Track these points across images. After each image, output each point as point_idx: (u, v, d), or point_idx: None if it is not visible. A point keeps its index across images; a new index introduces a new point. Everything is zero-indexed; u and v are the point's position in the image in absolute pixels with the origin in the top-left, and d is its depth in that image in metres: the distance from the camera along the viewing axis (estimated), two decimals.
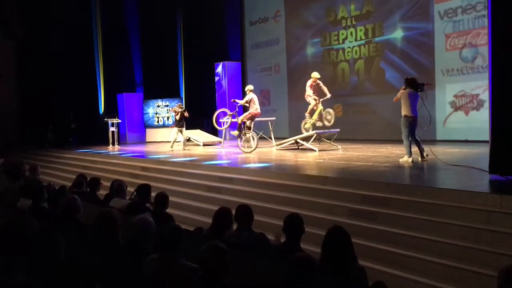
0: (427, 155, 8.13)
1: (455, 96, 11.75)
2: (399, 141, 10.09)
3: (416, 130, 8.09)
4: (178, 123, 13.20)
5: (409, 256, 4.83)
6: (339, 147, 11.12)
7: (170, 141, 13.72)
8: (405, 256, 4.86)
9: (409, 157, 8.03)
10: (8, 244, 2.74)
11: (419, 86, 8.09)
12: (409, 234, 5.06)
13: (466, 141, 11.14)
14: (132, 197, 5.69)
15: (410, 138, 8.05)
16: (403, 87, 8.18)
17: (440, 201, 5.27)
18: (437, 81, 12.08)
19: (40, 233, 2.69)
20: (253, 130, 11.36)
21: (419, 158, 8.12)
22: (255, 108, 11.27)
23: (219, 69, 17.24)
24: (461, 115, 11.66)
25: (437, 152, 9.76)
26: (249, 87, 11.67)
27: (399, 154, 8.77)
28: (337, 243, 3.01)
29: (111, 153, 13.61)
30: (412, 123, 8.01)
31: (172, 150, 12.82)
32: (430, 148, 8.28)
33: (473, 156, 8.77)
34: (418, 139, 8.11)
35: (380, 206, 5.68)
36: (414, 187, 5.79)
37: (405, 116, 8.03)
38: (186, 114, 13.17)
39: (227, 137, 14.54)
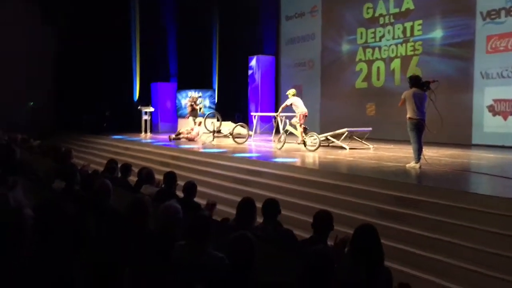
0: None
1: (494, 100, 11.42)
2: (432, 143, 9.92)
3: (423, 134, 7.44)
4: (191, 113, 14.23)
5: (437, 260, 4.75)
6: (371, 146, 10.98)
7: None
8: (433, 259, 4.78)
9: (416, 162, 7.43)
10: (43, 223, 2.83)
11: (424, 85, 7.44)
12: (438, 238, 4.97)
13: (503, 147, 10.82)
14: (161, 185, 5.78)
15: (419, 143, 7.40)
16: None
17: (471, 206, 5.14)
18: (476, 84, 11.76)
19: (73, 215, 2.77)
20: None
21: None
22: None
23: (253, 62, 17.26)
24: (499, 120, 11.32)
25: (472, 157, 9.57)
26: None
27: (431, 156, 8.60)
28: (366, 241, 2.98)
29: (143, 141, 13.84)
30: (417, 125, 7.38)
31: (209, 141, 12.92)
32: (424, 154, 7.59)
33: (508, 162, 8.52)
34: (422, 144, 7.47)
35: (409, 208, 5.59)
36: (445, 190, 5.66)
37: (409, 118, 7.40)
38: (195, 106, 14.27)
39: (258, 131, 14.60)
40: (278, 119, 11.61)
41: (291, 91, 11.15)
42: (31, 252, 2.35)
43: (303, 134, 10.59)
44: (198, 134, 13.52)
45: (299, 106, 10.77)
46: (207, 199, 5.09)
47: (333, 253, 2.94)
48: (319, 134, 11.57)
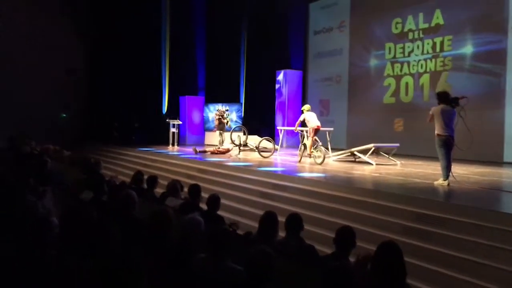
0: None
1: None
2: (461, 160, 9.73)
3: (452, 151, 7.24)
4: (217, 126, 14.49)
5: (463, 280, 4.64)
6: (398, 162, 10.85)
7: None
8: (458, 279, 4.67)
9: (444, 179, 7.27)
10: (68, 231, 2.91)
11: (453, 101, 7.27)
12: (464, 257, 4.85)
13: None
14: (186, 198, 5.85)
15: (447, 159, 7.22)
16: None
17: (500, 225, 5.00)
18: (508, 101, 11.50)
19: (98, 223, 2.84)
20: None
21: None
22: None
23: (280, 76, 17.33)
24: None
25: (503, 175, 9.33)
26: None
27: (460, 173, 8.42)
28: (388, 258, 2.94)
29: (170, 153, 14.02)
30: (446, 142, 7.21)
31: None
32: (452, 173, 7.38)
33: None
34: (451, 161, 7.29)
35: (436, 226, 5.48)
36: (473, 209, 5.53)
37: (438, 135, 7.26)
38: (222, 119, 14.43)
39: (284, 145, 14.60)
40: (305, 133, 11.67)
41: (306, 107, 11.48)
42: (54, 256, 2.43)
43: (312, 148, 10.97)
44: (229, 150, 13.56)
45: (311, 121, 11.10)
46: (230, 222, 5.06)
47: (354, 270, 2.92)
48: (346, 149, 11.62)
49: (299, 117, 16.28)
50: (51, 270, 2.53)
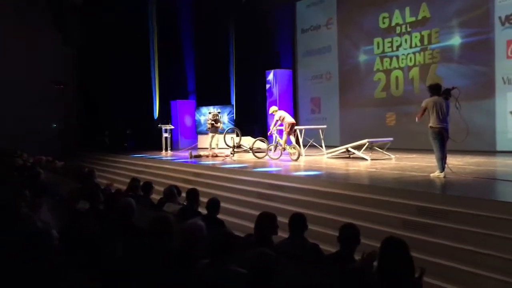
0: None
1: None
2: (455, 151, 9.74)
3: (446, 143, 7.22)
4: (210, 129, 14.17)
5: (466, 271, 4.63)
6: (392, 156, 10.86)
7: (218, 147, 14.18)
8: (461, 270, 4.67)
9: (440, 171, 7.25)
10: (68, 244, 2.85)
11: (445, 92, 7.27)
12: (467, 249, 4.85)
13: None
14: (184, 202, 5.80)
15: (442, 151, 7.21)
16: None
17: (500, 214, 5.01)
18: (498, 90, 11.56)
19: (98, 236, 2.79)
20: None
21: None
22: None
23: (270, 76, 17.30)
24: None
25: (497, 164, 9.37)
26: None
27: (456, 164, 8.45)
28: (394, 254, 2.90)
29: (164, 158, 13.94)
30: (439, 134, 7.19)
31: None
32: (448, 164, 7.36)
33: None
34: (446, 153, 7.28)
35: (435, 218, 5.48)
36: (474, 200, 5.54)
37: (431, 127, 7.24)
38: (215, 124, 14.09)
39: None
40: (277, 134, 12.04)
41: (274, 108, 12.06)
42: (55, 269, 2.37)
43: (286, 144, 11.50)
44: (227, 155, 13.32)
45: (286, 117, 11.59)
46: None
47: (362, 269, 2.89)
48: (339, 146, 11.71)
49: (291, 116, 16.41)
50: (51, 284, 2.48)
